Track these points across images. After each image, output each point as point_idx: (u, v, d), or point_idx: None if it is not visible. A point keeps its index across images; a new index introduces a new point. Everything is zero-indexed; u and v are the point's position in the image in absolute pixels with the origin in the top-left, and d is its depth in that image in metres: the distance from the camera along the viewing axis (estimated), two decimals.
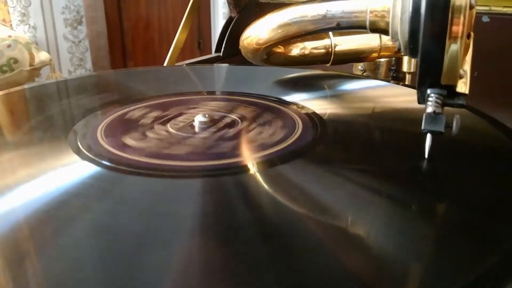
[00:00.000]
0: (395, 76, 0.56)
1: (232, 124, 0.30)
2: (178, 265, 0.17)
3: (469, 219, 0.21)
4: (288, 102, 0.35)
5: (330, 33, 0.44)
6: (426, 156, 0.25)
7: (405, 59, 0.53)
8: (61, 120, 0.34)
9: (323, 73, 0.45)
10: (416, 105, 0.26)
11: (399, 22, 0.27)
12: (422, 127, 0.24)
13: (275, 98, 0.36)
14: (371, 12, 0.30)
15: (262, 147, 0.27)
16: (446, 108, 0.25)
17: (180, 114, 0.32)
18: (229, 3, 0.69)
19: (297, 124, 0.30)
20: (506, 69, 0.52)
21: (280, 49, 0.42)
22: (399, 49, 0.28)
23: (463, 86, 0.26)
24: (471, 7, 0.24)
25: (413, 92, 0.27)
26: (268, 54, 0.41)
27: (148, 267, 0.17)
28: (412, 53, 0.26)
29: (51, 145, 0.29)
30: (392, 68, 0.56)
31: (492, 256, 0.17)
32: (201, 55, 0.72)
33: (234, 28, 0.67)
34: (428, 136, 0.25)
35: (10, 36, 1.20)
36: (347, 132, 0.31)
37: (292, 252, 0.18)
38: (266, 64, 0.43)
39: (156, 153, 0.26)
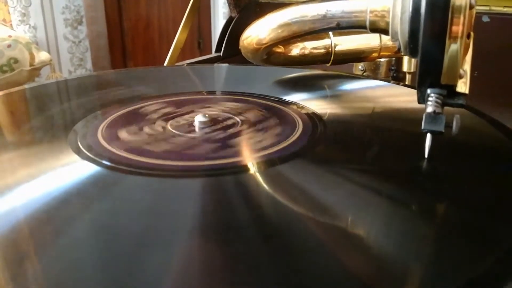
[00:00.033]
0: (395, 76, 0.56)
1: (232, 124, 0.30)
2: (178, 265, 0.17)
3: (469, 219, 0.21)
4: (288, 102, 0.35)
5: (330, 33, 0.44)
6: (426, 156, 0.25)
7: (405, 59, 0.53)
8: (61, 120, 0.34)
9: (323, 73, 0.45)
10: (416, 105, 0.26)
11: (399, 22, 0.27)
12: (422, 127, 0.24)
13: (276, 98, 0.36)
14: (371, 12, 0.30)
15: (262, 147, 0.27)
16: (446, 108, 0.25)
17: (180, 114, 0.32)
18: (229, 3, 0.69)
19: (297, 124, 0.30)
20: (506, 69, 0.52)
21: (280, 49, 0.42)
22: (399, 49, 0.28)
23: (463, 86, 0.26)
24: (471, 7, 0.24)
25: (413, 92, 0.27)
26: (268, 54, 0.41)
27: (148, 267, 0.17)
28: (412, 53, 0.26)
29: (51, 145, 0.29)
30: (392, 68, 0.56)
31: (492, 256, 0.17)
32: (201, 55, 0.72)
33: (234, 28, 0.67)
34: (428, 136, 0.25)
35: (10, 36, 1.20)
36: (347, 132, 0.31)
37: (292, 252, 0.18)
38: (266, 64, 0.43)
39: (156, 153, 0.26)
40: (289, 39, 0.37)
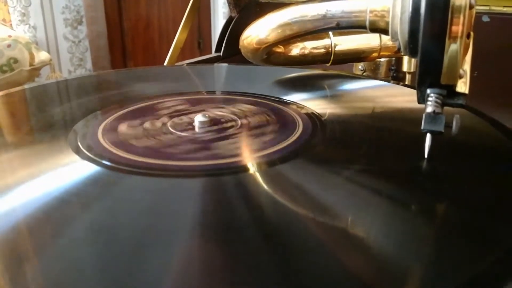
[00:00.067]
0: (395, 76, 0.56)
1: (232, 124, 0.30)
2: (178, 265, 0.17)
3: (469, 219, 0.21)
4: (288, 101, 0.35)
5: (330, 33, 0.44)
6: (426, 156, 0.25)
7: (405, 59, 0.54)
8: (61, 120, 0.34)
9: (323, 73, 0.45)
10: (416, 105, 0.26)
11: (399, 22, 0.27)
12: (422, 127, 0.24)
13: (276, 97, 0.36)
14: (371, 12, 0.30)
15: (262, 146, 0.27)
16: (446, 108, 0.25)
17: (180, 114, 0.32)
18: (229, 3, 0.69)
19: (297, 124, 0.30)
20: (506, 69, 0.52)
21: (280, 49, 0.42)
22: (399, 49, 0.28)
23: (462, 86, 0.26)
24: (471, 7, 0.24)
25: (413, 92, 0.27)
26: (268, 54, 0.41)
27: (148, 267, 0.17)
28: (412, 53, 0.26)
29: (51, 145, 0.29)
30: (392, 68, 0.56)
31: (492, 256, 0.17)
32: (201, 55, 0.72)
33: (234, 28, 0.67)
34: (428, 136, 0.25)
35: (10, 36, 1.20)
36: (347, 132, 0.31)
37: (292, 252, 0.18)
38: (266, 64, 0.43)
39: (156, 153, 0.26)
40: (289, 39, 0.37)
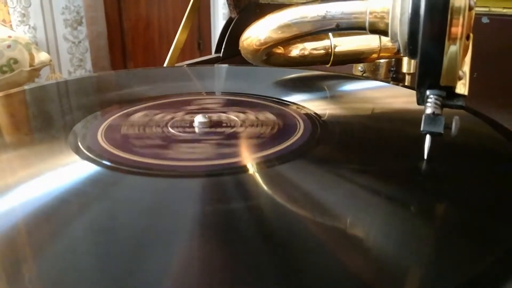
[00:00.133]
0: (395, 77, 0.56)
1: (232, 124, 0.30)
2: (178, 265, 0.17)
3: (469, 219, 0.21)
4: (289, 102, 0.35)
5: (330, 34, 0.44)
6: (426, 157, 0.25)
7: (405, 60, 0.54)
8: (61, 121, 0.34)
9: (323, 73, 0.45)
10: (415, 106, 0.27)
11: (399, 23, 0.27)
12: (422, 128, 0.24)
13: (276, 98, 0.36)
14: (370, 13, 0.30)
15: (263, 147, 0.27)
16: (445, 109, 0.25)
17: (180, 115, 0.32)
18: (229, 4, 0.69)
19: (297, 124, 0.30)
20: (506, 70, 0.52)
21: (280, 50, 0.43)
22: (398, 50, 0.28)
23: (462, 87, 0.26)
24: (470, 8, 0.24)
25: (413, 93, 0.27)
26: (268, 55, 0.42)
27: (148, 267, 0.17)
28: (412, 54, 0.26)
29: (51, 146, 0.29)
30: (392, 69, 0.56)
31: (492, 256, 0.17)
32: (201, 56, 0.72)
33: (234, 29, 0.67)
34: (428, 137, 0.25)
35: (10, 37, 1.20)
36: (347, 132, 0.31)
37: (292, 252, 0.18)
38: (266, 65, 0.43)
39: (156, 153, 0.26)
40: (289, 40, 0.37)
